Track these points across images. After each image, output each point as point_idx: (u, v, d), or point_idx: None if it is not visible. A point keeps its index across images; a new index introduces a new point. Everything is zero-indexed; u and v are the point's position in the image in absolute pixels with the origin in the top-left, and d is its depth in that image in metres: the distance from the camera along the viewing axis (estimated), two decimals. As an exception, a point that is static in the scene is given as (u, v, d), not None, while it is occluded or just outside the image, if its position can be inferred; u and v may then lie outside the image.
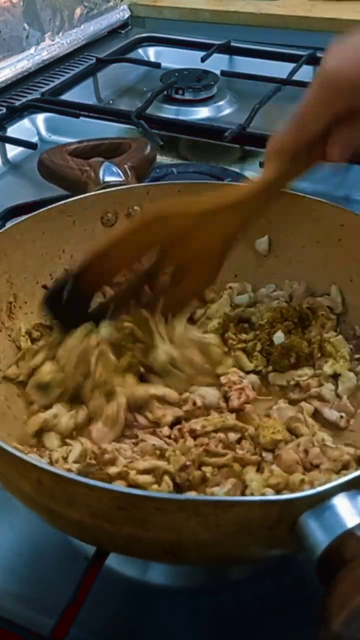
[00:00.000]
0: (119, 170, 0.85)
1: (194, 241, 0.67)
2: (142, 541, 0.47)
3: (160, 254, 0.68)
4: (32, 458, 0.48)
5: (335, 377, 0.72)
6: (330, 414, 0.68)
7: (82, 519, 0.47)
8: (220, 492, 0.54)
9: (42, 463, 0.47)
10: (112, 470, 0.56)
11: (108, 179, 0.84)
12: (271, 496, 0.46)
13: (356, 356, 0.73)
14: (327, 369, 0.71)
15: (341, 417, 0.67)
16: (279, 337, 0.73)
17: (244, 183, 0.67)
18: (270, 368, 0.73)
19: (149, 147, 0.93)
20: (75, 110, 1.25)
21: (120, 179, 0.84)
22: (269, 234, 0.81)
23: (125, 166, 0.86)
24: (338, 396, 0.70)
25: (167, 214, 0.67)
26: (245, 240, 0.82)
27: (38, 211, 0.74)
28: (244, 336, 0.75)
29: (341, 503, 0.43)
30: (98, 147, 0.96)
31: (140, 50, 1.63)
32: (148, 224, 0.67)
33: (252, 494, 0.54)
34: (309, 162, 0.67)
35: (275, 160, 0.66)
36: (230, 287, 0.81)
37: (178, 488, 0.57)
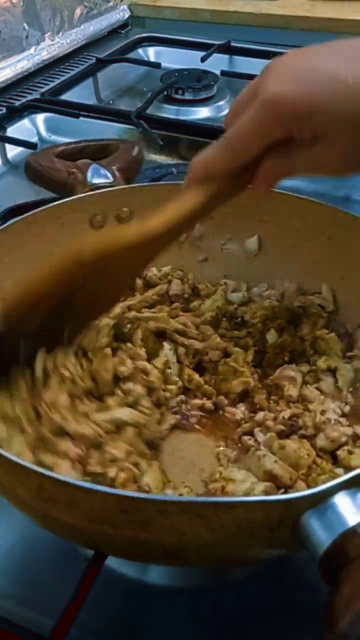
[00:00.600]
0: (107, 172, 0.85)
1: (114, 270, 0.63)
2: (143, 544, 0.47)
3: (77, 286, 0.63)
4: (33, 465, 0.48)
5: (331, 372, 0.72)
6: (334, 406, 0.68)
7: (83, 524, 0.47)
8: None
9: (43, 469, 0.47)
10: None
11: (96, 180, 0.84)
12: (272, 496, 0.46)
13: (348, 354, 0.73)
14: (322, 363, 0.71)
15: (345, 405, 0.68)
16: (272, 335, 0.74)
17: (168, 208, 0.61)
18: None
19: (136, 149, 0.93)
20: (75, 110, 1.25)
21: (109, 181, 0.84)
22: (259, 233, 0.81)
23: (113, 168, 0.86)
24: (338, 389, 0.70)
25: (88, 254, 0.61)
26: (235, 240, 0.82)
27: (26, 214, 0.74)
28: (236, 333, 0.76)
29: (342, 501, 0.43)
30: (85, 149, 0.95)
31: (140, 50, 1.63)
32: (66, 264, 0.61)
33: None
34: (235, 188, 0.62)
35: (203, 184, 0.61)
36: (225, 283, 0.81)
37: None
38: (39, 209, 0.74)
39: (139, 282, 0.81)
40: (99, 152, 0.94)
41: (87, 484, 0.46)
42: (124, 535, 0.46)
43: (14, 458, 0.47)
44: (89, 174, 0.85)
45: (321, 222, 0.76)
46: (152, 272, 0.82)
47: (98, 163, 0.87)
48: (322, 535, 0.43)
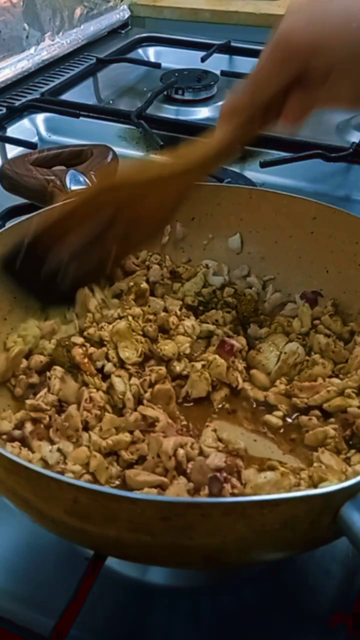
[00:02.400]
0: (85, 178, 0.85)
1: (147, 203, 0.68)
2: (183, 551, 0.46)
3: (112, 215, 0.68)
4: (67, 477, 0.47)
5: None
6: None
7: (120, 535, 0.46)
8: None
9: (78, 481, 0.47)
10: None
11: (75, 187, 0.84)
12: (313, 490, 0.47)
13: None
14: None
15: None
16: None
17: (198, 144, 0.68)
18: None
19: (111, 154, 0.92)
20: (75, 110, 1.24)
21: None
22: (241, 231, 0.81)
23: (91, 173, 0.86)
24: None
25: (121, 183, 0.68)
26: (217, 239, 0.82)
27: (14, 222, 0.73)
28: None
29: None
30: (59, 156, 0.95)
31: (140, 50, 1.63)
32: (102, 192, 0.68)
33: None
34: (264, 123, 0.67)
35: (230, 121, 0.66)
36: (207, 266, 0.81)
37: None
38: (28, 215, 0.74)
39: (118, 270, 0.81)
40: (72, 158, 0.93)
41: (124, 493, 0.45)
42: (163, 543, 0.46)
43: (46, 472, 0.46)
44: (68, 180, 0.84)
45: (303, 217, 0.77)
46: (130, 259, 0.81)
47: (75, 169, 0.86)
48: None
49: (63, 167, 0.89)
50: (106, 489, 0.47)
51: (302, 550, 0.53)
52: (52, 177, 0.85)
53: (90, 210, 0.67)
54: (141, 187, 0.68)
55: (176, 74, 1.41)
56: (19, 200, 0.96)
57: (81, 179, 0.85)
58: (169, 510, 0.43)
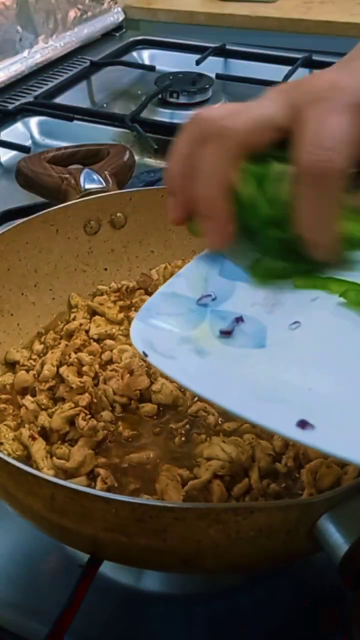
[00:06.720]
0: (100, 177, 0.84)
1: None
2: (159, 552, 0.47)
3: None
4: (44, 474, 0.48)
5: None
6: None
7: (96, 534, 0.47)
8: None
9: (55, 478, 0.47)
10: None
11: (89, 186, 0.83)
12: (290, 500, 0.46)
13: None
14: None
15: None
16: None
17: None
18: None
19: (128, 153, 0.92)
20: (69, 113, 1.24)
21: (102, 186, 0.83)
22: None
23: (106, 173, 0.85)
24: None
25: None
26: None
27: (21, 221, 0.73)
28: None
29: (358, 504, 0.44)
30: (76, 154, 0.94)
31: (134, 53, 1.62)
32: None
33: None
34: None
35: None
36: None
37: None
38: (33, 215, 0.74)
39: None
40: (89, 157, 0.93)
41: (99, 492, 0.46)
42: (139, 544, 0.46)
43: (25, 467, 0.46)
44: (82, 179, 0.84)
45: None
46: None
47: (90, 168, 0.86)
48: (339, 539, 0.43)
49: (79, 166, 0.89)
50: (81, 487, 0.47)
51: (284, 560, 0.53)
52: (67, 176, 0.85)
53: None
54: None
55: (171, 77, 1.41)
56: (12, 205, 0.96)
57: (95, 177, 0.84)
58: (143, 512, 0.44)
